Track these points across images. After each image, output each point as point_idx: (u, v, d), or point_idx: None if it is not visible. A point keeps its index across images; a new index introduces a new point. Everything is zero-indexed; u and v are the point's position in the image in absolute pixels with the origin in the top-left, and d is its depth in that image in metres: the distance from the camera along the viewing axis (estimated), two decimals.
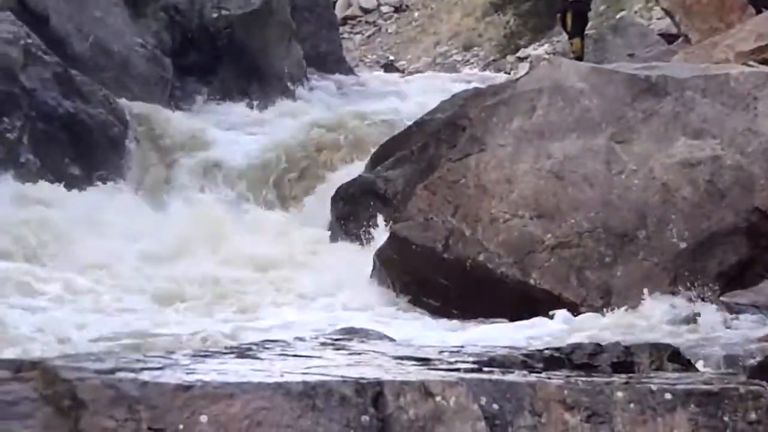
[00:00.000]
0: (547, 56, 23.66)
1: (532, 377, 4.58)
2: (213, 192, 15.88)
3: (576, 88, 10.23)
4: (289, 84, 22.93)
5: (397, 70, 30.27)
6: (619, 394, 4.37)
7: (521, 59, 30.84)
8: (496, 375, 4.57)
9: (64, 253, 12.08)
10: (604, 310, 9.10)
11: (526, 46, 32.23)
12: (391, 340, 6.28)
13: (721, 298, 8.22)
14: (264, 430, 4.01)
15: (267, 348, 5.23)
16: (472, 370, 4.71)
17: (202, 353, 4.98)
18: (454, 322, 9.38)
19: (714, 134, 9.56)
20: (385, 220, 12.53)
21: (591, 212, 9.53)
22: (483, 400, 4.25)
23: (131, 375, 4.13)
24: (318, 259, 11.97)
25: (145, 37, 19.45)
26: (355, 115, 19.03)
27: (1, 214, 12.88)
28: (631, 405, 4.34)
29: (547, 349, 5.36)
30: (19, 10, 15.72)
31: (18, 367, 4.15)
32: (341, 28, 35.74)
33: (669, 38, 20.94)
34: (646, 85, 10.06)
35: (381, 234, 11.71)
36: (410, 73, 32.16)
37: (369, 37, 41.05)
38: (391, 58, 29.91)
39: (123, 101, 16.94)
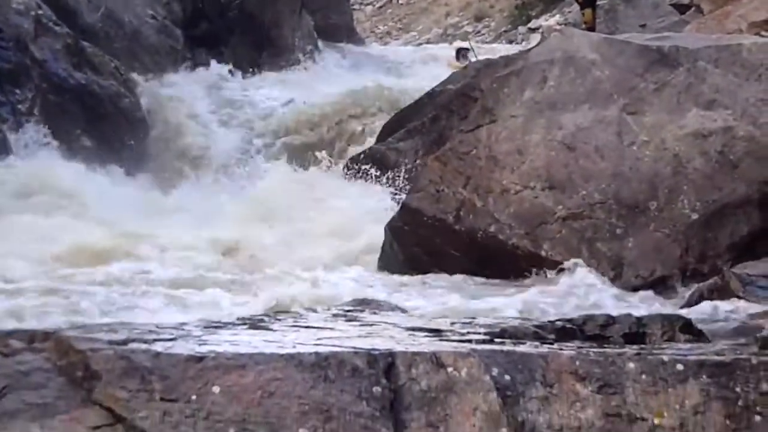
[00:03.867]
0: (558, 27, 23.59)
1: (544, 348, 4.59)
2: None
3: (588, 59, 10.20)
4: (299, 55, 22.91)
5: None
6: (631, 365, 4.38)
7: (532, 30, 30.74)
8: (508, 346, 4.58)
9: None
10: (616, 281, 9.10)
11: (537, 17, 32.11)
12: (403, 311, 6.30)
13: (732, 270, 8.19)
14: (276, 401, 4.02)
15: (279, 319, 5.26)
16: (484, 341, 4.73)
17: (214, 324, 5.00)
18: (466, 293, 9.36)
19: (726, 105, 9.52)
20: (396, 192, 12.55)
21: (602, 183, 9.51)
22: (495, 371, 4.26)
23: (144, 346, 4.15)
24: (328, 230, 11.96)
25: (156, 8, 19.44)
26: (365, 86, 19.04)
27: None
28: (643, 376, 4.34)
29: (558, 320, 5.37)
30: None
31: (31, 338, 4.18)
32: None
33: (681, 8, 20.82)
34: (658, 56, 10.03)
35: (391, 205, 11.72)
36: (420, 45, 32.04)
37: (380, 8, 40.96)
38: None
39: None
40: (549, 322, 5.31)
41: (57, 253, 10.49)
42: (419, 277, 9.87)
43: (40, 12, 15.06)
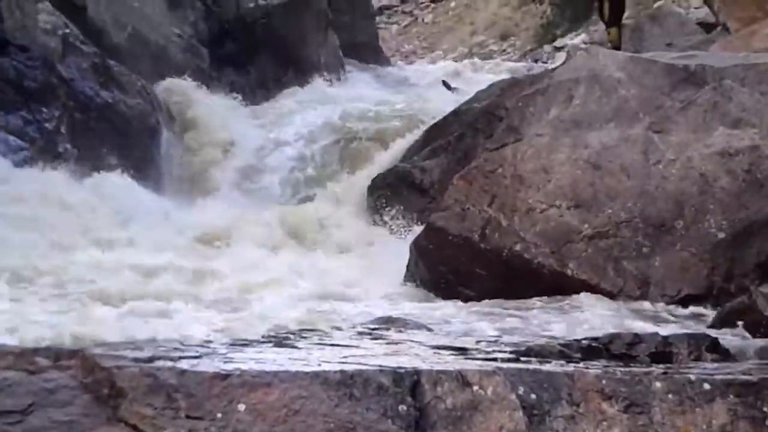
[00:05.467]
0: (584, 46, 23.57)
1: (570, 367, 4.57)
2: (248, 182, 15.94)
3: (613, 77, 10.19)
4: (325, 73, 22.96)
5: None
6: (658, 384, 4.36)
7: (558, 49, 30.73)
8: (534, 365, 4.57)
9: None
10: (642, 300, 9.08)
11: (562, 36, 32.11)
12: (429, 329, 6.29)
13: (760, 289, 8.16)
14: (301, 419, 4.02)
15: (304, 337, 5.26)
16: (510, 360, 4.71)
17: (239, 342, 5.01)
18: (492, 311, 9.33)
19: (753, 124, 9.50)
20: (421, 210, 12.55)
21: (628, 202, 9.49)
22: (521, 390, 4.24)
23: (169, 363, 4.16)
24: (354, 248, 11.98)
25: (182, 27, 19.53)
26: (392, 104, 19.07)
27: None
28: (670, 395, 4.32)
29: (584, 339, 5.35)
30: (58, 0, 15.79)
31: (57, 355, 4.19)
32: (378, 18, 35.76)
33: (707, 27, 20.81)
34: (685, 75, 10.01)
35: (417, 223, 11.72)
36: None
37: (405, 26, 41.03)
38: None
39: (160, 90, 17.06)
40: (575, 340, 5.30)
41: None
42: (445, 294, 9.88)
43: (67, 31, 15.16)
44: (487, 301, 9.47)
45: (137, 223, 12.94)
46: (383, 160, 15.43)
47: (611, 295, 9.14)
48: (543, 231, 9.71)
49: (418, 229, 11.24)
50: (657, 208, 9.41)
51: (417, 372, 4.24)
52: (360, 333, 5.62)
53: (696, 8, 25.59)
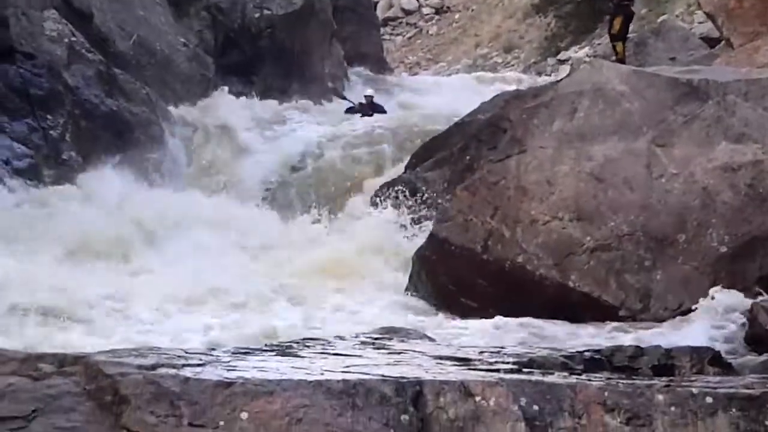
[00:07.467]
0: (587, 59, 23.57)
1: (572, 379, 4.58)
2: (254, 193, 15.89)
3: (617, 90, 10.20)
4: (329, 83, 22.98)
5: None
6: (660, 397, 4.37)
7: (562, 62, 30.71)
8: (536, 376, 4.57)
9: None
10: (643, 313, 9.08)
11: (566, 49, 32.07)
12: (431, 340, 6.29)
13: (761, 303, 8.16)
14: (304, 428, 4.03)
15: (307, 346, 5.26)
16: (512, 371, 4.72)
17: (242, 350, 5.01)
18: (495, 322, 9.32)
19: (755, 138, 9.50)
20: (424, 221, 12.54)
21: (631, 215, 9.50)
22: (523, 401, 4.25)
23: (173, 371, 4.17)
24: (358, 258, 11.97)
25: (187, 37, 19.54)
26: (395, 115, 19.09)
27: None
28: (672, 408, 4.33)
29: (587, 350, 5.35)
30: (64, 8, 15.81)
31: (61, 362, 4.20)
32: (382, 30, 35.78)
33: (711, 42, 20.80)
34: (688, 89, 10.01)
35: (420, 234, 11.72)
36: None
37: (410, 38, 41.02)
38: None
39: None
40: (578, 352, 5.29)
41: None
42: (447, 304, 9.88)
43: (73, 39, 15.18)
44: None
45: None
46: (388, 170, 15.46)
47: (612, 309, 9.15)
48: (545, 243, 9.72)
49: (420, 239, 11.23)
50: (659, 221, 9.41)
51: (419, 382, 4.25)
52: (363, 342, 5.62)
53: (700, 23, 25.56)
